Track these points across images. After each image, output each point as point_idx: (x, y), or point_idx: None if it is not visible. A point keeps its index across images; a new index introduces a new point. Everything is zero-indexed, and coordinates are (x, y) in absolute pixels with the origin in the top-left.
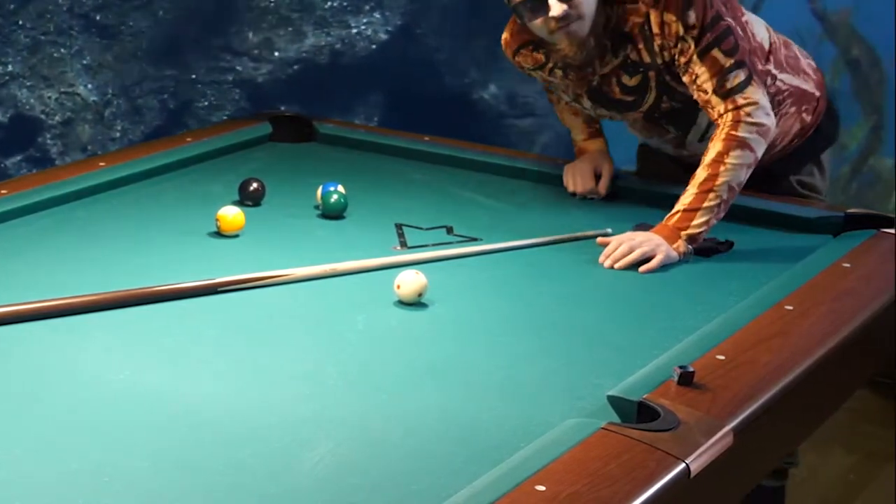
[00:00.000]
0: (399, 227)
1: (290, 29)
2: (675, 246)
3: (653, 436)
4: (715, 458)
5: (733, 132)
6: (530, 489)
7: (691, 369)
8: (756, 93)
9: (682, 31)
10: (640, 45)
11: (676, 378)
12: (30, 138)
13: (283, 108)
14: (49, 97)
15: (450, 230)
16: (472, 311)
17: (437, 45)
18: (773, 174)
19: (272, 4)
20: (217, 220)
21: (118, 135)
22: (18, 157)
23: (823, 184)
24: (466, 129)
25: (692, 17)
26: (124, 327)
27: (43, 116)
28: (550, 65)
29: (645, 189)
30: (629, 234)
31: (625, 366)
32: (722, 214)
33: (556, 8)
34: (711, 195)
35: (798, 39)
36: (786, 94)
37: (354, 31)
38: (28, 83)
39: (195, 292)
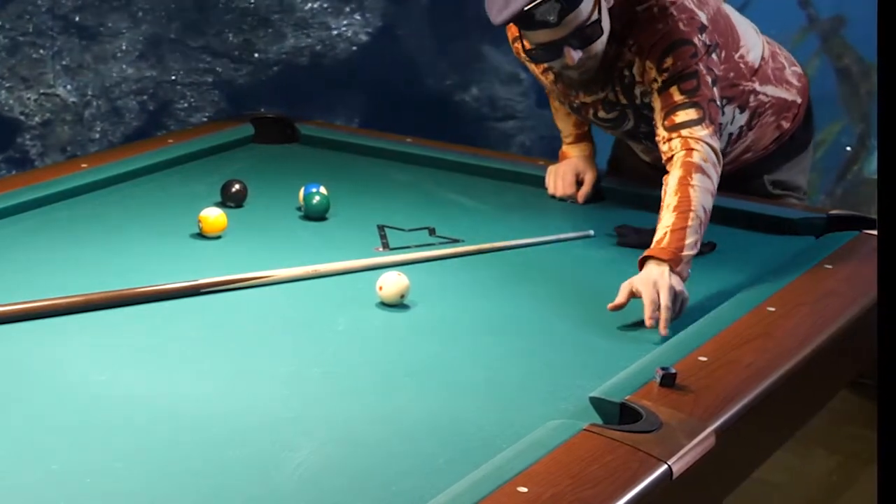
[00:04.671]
0: (381, 228)
1: (269, 30)
2: (678, 270)
3: (635, 437)
4: (697, 460)
5: (689, 159)
6: (512, 490)
7: (674, 371)
8: (706, 133)
9: (655, 74)
10: (618, 88)
11: (659, 379)
12: (9, 139)
13: (262, 110)
14: (28, 98)
15: (432, 231)
16: (454, 312)
17: (417, 46)
18: (746, 175)
19: (252, 6)
20: (199, 221)
21: (97, 136)
22: None
23: (800, 181)
24: (448, 131)
25: (668, 61)
26: (106, 329)
27: (22, 117)
28: (543, 66)
29: (625, 190)
30: (648, 294)
31: (607, 367)
32: (701, 237)
33: (574, 56)
34: (691, 215)
35: (781, 33)
36: (767, 105)
37: (335, 32)
38: (7, 84)
39: (177, 294)
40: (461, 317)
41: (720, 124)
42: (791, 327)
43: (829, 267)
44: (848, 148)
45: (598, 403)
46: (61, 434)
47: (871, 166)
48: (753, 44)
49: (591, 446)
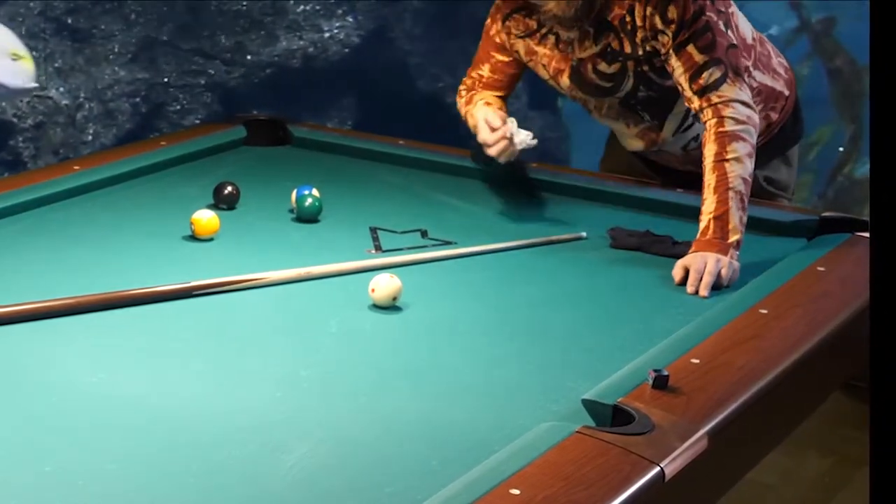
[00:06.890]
0: (373, 230)
1: (262, 33)
2: (728, 256)
3: (627, 439)
4: (690, 462)
5: (721, 129)
6: (505, 493)
7: (666, 373)
8: (732, 90)
9: (660, 25)
10: (622, 36)
11: (651, 381)
12: (1, 142)
13: (254, 112)
14: (21, 100)
15: (424, 234)
16: (446, 314)
17: (409, 49)
18: None
19: (244, 8)
20: (191, 223)
21: (90, 138)
22: None
23: (791, 179)
24: (440, 133)
25: (671, 11)
26: (99, 330)
27: (15, 120)
28: (543, 30)
29: (618, 192)
30: (693, 266)
31: (599, 369)
32: (746, 206)
33: None
34: (730, 194)
35: (773, 34)
36: (755, 91)
37: (327, 34)
38: None
39: (170, 296)
40: (454, 319)
41: (745, 67)
42: (784, 329)
43: (822, 269)
44: (840, 149)
45: (590, 405)
46: (54, 435)
47: (864, 168)
48: (741, 17)
49: (583, 448)
